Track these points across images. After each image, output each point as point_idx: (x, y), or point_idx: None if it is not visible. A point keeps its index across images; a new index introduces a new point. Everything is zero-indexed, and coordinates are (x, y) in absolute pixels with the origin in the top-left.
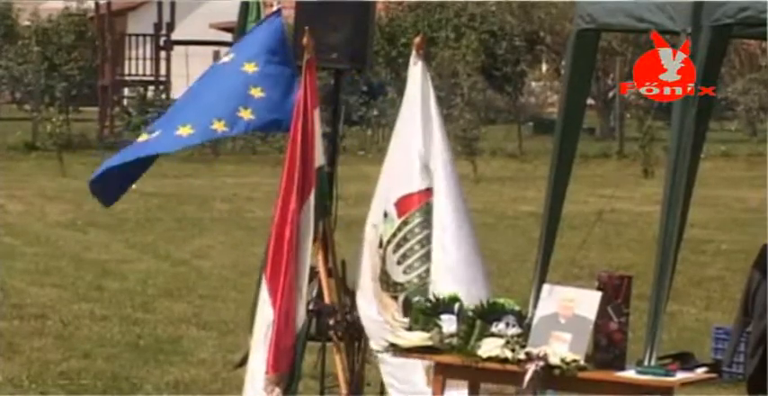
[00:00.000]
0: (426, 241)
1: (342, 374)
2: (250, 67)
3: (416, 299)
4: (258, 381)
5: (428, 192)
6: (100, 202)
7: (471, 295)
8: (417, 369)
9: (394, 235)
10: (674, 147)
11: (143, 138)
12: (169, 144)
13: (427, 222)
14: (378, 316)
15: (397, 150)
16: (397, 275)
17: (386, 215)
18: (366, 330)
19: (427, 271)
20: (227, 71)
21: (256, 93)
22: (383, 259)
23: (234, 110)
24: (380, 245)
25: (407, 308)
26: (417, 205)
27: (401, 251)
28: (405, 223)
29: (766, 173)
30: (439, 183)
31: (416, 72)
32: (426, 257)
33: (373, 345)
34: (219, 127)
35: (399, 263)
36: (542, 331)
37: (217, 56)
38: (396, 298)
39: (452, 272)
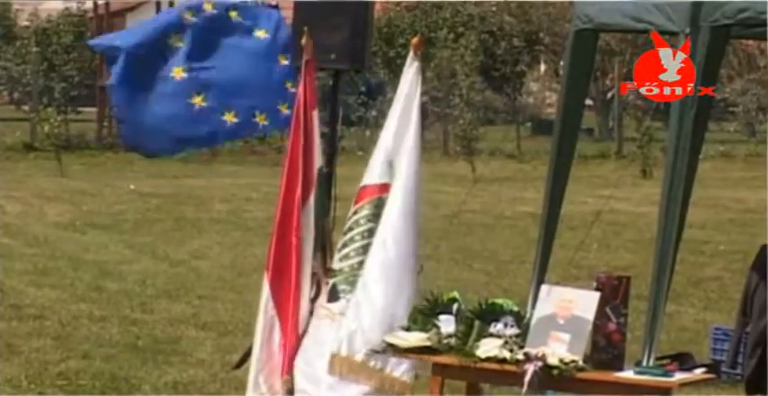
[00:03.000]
0: (368, 234)
1: None
2: (283, 60)
3: (342, 287)
4: (261, 381)
5: (384, 187)
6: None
7: (395, 298)
8: (323, 355)
9: (345, 223)
10: (672, 147)
11: (198, 101)
12: (221, 134)
13: (374, 216)
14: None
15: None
16: (334, 261)
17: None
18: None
19: (360, 263)
20: (259, 53)
21: (290, 87)
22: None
23: (275, 104)
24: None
25: (333, 295)
26: (369, 197)
27: (344, 239)
28: (354, 213)
29: (765, 173)
30: (398, 181)
31: (410, 72)
32: (363, 250)
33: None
34: (261, 120)
35: (339, 250)
36: (541, 332)
37: None
38: (327, 283)
39: (386, 270)
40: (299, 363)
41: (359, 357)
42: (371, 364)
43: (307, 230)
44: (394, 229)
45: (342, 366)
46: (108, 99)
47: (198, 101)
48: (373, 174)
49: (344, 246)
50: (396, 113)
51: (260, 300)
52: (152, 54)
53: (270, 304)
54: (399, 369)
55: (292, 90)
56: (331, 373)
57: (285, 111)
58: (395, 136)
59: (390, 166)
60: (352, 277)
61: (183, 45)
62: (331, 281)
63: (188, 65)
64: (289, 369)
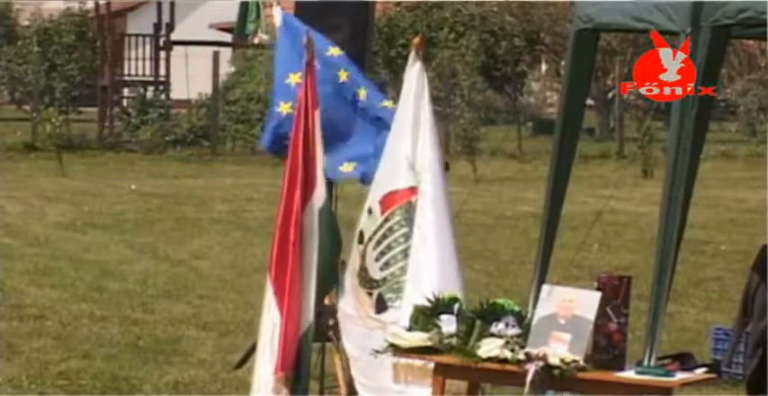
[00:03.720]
0: (404, 239)
1: (341, 374)
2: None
3: (388, 296)
4: (264, 382)
5: (412, 190)
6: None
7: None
8: (384, 366)
9: (375, 232)
10: (673, 147)
11: None
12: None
13: (407, 220)
14: (353, 311)
15: (388, 149)
16: (375, 272)
17: (370, 212)
18: (341, 326)
19: (402, 269)
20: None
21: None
22: (363, 256)
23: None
24: (360, 241)
25: (381, 305)
26: (400, 202)
27: (380, 248)
28: (386, 220)
29: (766, 174)
30: (425, 183)
31: (413, 72)
32: (403, 255)
33: (345, 341)
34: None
35: (377, 259)
36: (542, 332)
37: (216, 56)
38: (371, 294)
39: (427, 272)
40: (358, 378)
41: (418, 362)
42: (431, 365)
43: (310, 230)
44: (430, 229)
45: (405, 373)
46: (109, 99)
47: None
48: (398, 179)
49: (382, 254)
50: (407, 116)
51: (262, 300)
52: None
53: (273, 304)
54: None
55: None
56: (396, 381)
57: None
58: (412, 138)
59: (413, 169)
60: (397, 285)
61: None
62: (376, 292)
63: None
64: (284, 366)
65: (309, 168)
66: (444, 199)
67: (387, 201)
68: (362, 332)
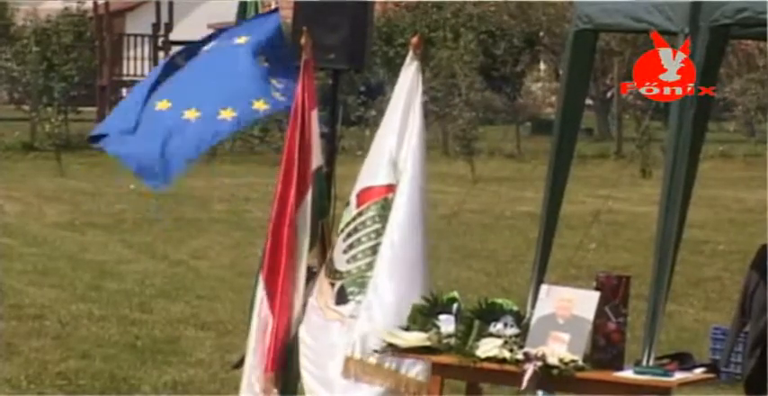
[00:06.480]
0: (375, 235)
1: None
2: (260, 62)
3: (350, 289)
4: (255, 381)
5: (390, 187)
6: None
7: (406, 297)
8: (335, 359)
9: (347, 224)
10: (671, 147)
11: (163, 106)
12: (217, 131)
13: (381, 217)
14: (314, 300)
15: (374, 144)
16: (341, 264)
17: (348, 205)
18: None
19: (369, 264)
20: (239, 54)
21: (275, 83)
22: (333, 247)
23: (268, 90)
24: (336, 233)
25: (341, 297)
26: (376, 198)
27: (349, 241)
28: (360, 214)
29: (765, 173)
30: (404, 182)
31: (409, 72)
32: (372, 251)
33: (303, 328)
34: (260, 106)
35: (345, 252)
36: (540, 331)
37: None
38: (333, 285)
39: (395, 270)
40: (307, 365)
41: (373, 359)
42: (386, 365)
43: (302, 229)
44: (402, 228)
45: (356, 368)
46: (107, 99)
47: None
48: (377, 175)
49: (351, 247)
50: (397, 113)
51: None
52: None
53: (264, 305)
54: (414, 369)
55: (278, 86)
56: (345, 375)
57: (278, 97)
58: (398, 136)
59: (395, 166)
60: (361, 279)
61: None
62: (338, 283)
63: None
64: (273, 366)
65: (304, 168)
66: (420, 201)
67: (363, 195)
68: (319, 322)
